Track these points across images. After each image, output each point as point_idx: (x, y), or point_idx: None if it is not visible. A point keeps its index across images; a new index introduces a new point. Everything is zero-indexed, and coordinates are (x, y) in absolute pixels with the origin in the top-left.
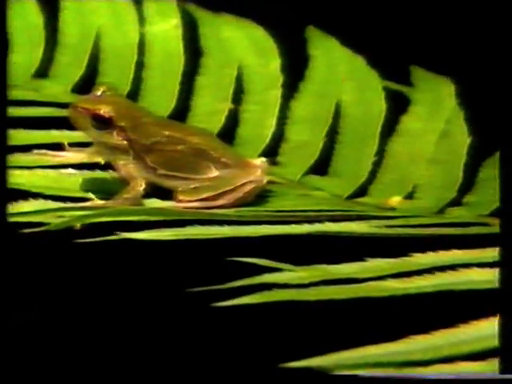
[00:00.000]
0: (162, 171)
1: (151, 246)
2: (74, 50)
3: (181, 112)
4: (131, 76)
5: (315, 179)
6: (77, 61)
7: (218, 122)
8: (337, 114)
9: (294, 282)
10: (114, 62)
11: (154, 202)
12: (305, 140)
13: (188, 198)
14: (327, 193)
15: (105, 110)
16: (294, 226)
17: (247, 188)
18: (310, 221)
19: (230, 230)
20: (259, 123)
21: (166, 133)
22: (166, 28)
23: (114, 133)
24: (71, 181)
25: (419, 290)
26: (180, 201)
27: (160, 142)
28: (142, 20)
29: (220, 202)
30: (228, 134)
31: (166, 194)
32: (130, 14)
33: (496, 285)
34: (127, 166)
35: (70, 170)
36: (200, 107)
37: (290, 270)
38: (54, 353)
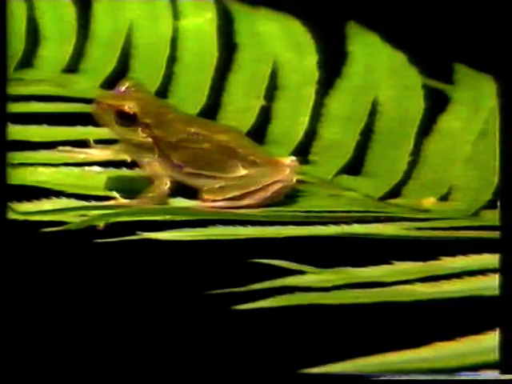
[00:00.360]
0: (187, 169)
1: (172, 247)
2: (105, 45)
3: (211, 108)
4: (162, 71)
5: (347, 179)
6: (107, 56)
7: (249, 119)
8: (373, 112)
9: (316, 285)
10: (145, 57)
11: (180, 202)
12: (338, 138)
13: (213, 198)
14: (359, 193)
15: (129, 106)
16: (319, 227)
17: (275, 187)
18: (336, 222)
19: (252, 231)
20: (292, 121)
21: (192, 130)
22: (201, 22)
23: (139, 130)
24: (95, 179)
25: (447, 295)
26: (205, 200)
27: (186, 140)
28: (176, 14)
29: (246, 201)
30: (259, 131)
31: (191, 192)
32: (163, 7)
33: None
34: (152, 164)
35: (95, 168)
36: (231, 104)
37: (313, 273)
38: (72, 353)
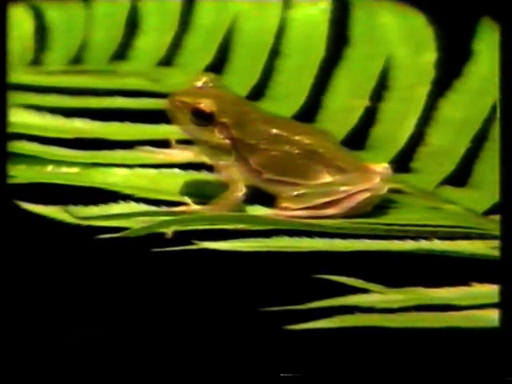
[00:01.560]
0: (267, 175)
1: (230, 257)
2: (205, 36)
3: (310, 108)
4: (261, 66)
5: (450, 190)
6: (206, 48)
7: (350, 121)
8: (489, 118)
9: (380, 305)
10: (245, 49)
11: (257, 209)
12: (446, 145)
13: (293, 206)
14: (460, 207)
15: (206, 105)
16: (395, 242)
17: (362, 197)
18: (415, 237)
19: (319, 244)
20: (397, 124)
21: (274, 131)
22: (312, 12)
23: (216, 130)
24: (170, 182)
25: None
26: (284, 208)
27: (266, 142)
28: (287, 3)
29: (330, 211)
30: (360, 134)
31: (271, 199)
32: None
33: None
34: (228, 168)
35: (175, 170)
36: (333, 103)
37: (379, 292)
38: (124, 361)
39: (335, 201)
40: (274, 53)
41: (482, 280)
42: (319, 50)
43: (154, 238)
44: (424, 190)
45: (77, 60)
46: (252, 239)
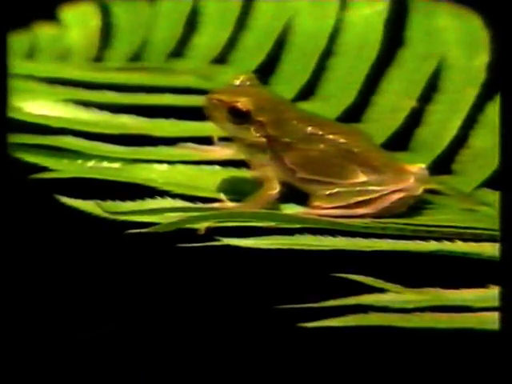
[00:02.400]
0: (301, 174)
1: (253, 254)
2: (261, 34)
3: (358, 108)
4: (313, 65)
5: (487, 193)
6: (260, 46)
7: (396, 121)
8: None
9: (395, 305)
10: (299, 48)
11: (291, 207)
12: (489, 147)
13: (325, 205)
14: (495, 209)
15: (242, 103)
16: (417, 242)
17: (395, 197)
18: (439, 238)
19: (340, 242)
20: (442, 125)
21: (309, 130)
22: (369, 13)
23: (252, 128)
24: (210, 179)
25: None
26: (315, 207)
27: (302, 141)
28: (344, 3)
29: (361, 210)
30: (404, 135)
31: (306, 198)
32: None
33: None
34: (263, 166)
35: (215, 167)
36: (381, 103)
37: (396, 292)
38: (144, 353)
39: (368, 201)
40: (327, 53)
41: (501, 282)
42: (372, 51)
43: (183, 234)
44: (462, 192)
45: (136, 57)
46: (275, 236)
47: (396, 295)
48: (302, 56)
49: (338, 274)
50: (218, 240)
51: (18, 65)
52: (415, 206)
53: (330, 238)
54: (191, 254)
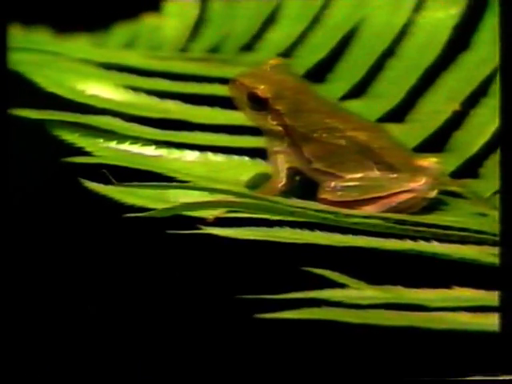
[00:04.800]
0: (316, 165)
1: (230, 243)
2: (330, 31)
3: (405, 107)
4: (369, 64)
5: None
6: (326, 42)
7: (435, 123)
8: None
9: (350, 301)
10: (363, 46)
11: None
12: None
13: (332, 199)
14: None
15: (261, 90)
16: (393, 240)
17: (403, 197)
18: (414, 237)
19: (318, 237)
20: (480, 129)
21: (330, 123)
22: (440, 17)
23: (269, 116)
24: (233, 171)
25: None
26: (322, 200)
27: (320, 132)
28: (419, 5)
29: (367, 208)
30: (442, 137)
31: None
32: None
33: None
34: (276, 156)
35: (244, 159)
36: (426, 105)
37: (356, 288)
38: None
39: (375, 198)
40: (389, 53)
41: (469, 285)
42: (433, 54)
43: (172, 220)
44: (480, 196)
45: (215, 49)
46: (254, 228)
47: (355, 291)
48: (364, 55)
49: (305, 268)
50: (200, 228)
51: (81, 50)
52: (427, 206)
53: (308, 232)
54: (173, 241)
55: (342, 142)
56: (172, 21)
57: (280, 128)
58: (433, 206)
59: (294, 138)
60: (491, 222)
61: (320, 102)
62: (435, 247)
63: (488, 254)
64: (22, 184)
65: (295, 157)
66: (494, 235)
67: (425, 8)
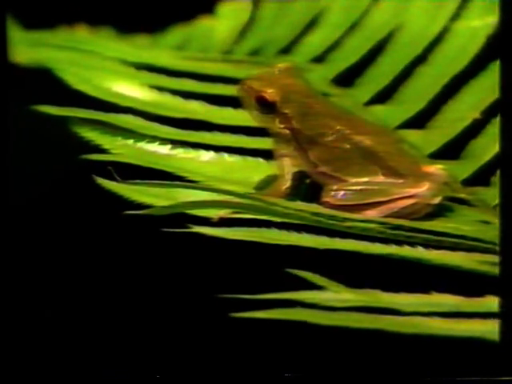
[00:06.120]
0: (322, 169)
1: (217, 243)
2: (366, 35)
3: (426, 114)
4: (398, 70)
5: None
6: (361, 47)
7: (454, 130)
8: None
9: (323, 303)
10: (395, 52)
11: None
12: None
13: (334, 202)
14: None
15: (269, 94)
16: (377, 244)
17: (405, 202)
18: (402, 242)
19: (303, 239)
20: (493, 139)
21: (337, 127)
22: (476, 25)
23: (277, 120)
24: (245, 173)
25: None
26: (325, 203)
27: (327, 136)
28: (456, 14)
29: (368, 213)
30: (459, 144)
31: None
32: (448, 6)
33: None
34: (282, 159)
35: (259, 160)
36: (448, 112)
37: (334, 291)
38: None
39: (377, 203)
40: (420, 60)
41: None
42: (463, 62)
43: (166, 218)
44: (487, 204)
45: (255, 52)
46: (242, 228)
47: (333, 294)
48: (395, 61)
49: (287, 270)
50: (190, 227)
51: (114, 48)
52: (433, 212)
53: (295, 234)
54: (165, 238)
55: (348, 146)
56: (223, 23)
57: (287, 131)
58: (437, 212)
59: (300, 141)
60: (492, 231)
61: (327, 106)
62: (419, 253)
63: (476, 262)
64: (40, 179)
65: (301, 160)
66: (494, 244)
67: (462, 16)
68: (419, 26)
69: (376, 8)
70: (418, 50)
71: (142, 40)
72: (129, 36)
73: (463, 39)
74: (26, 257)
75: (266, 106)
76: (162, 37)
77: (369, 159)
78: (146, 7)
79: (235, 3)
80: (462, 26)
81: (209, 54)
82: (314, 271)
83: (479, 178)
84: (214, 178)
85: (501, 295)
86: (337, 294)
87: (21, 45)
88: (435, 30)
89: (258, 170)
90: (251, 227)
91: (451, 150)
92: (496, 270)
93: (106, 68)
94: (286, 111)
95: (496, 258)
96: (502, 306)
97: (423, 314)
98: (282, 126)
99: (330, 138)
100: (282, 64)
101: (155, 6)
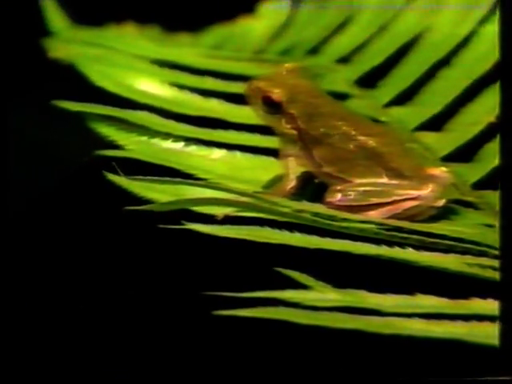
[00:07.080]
0: (327, 169)
1: (208, 240)
2: (392, 38)
3: (444, 116)
4: (423, 72)
5: None
6: (386, 49)
7: (469, 134)
8: None
9: (306, 303)
10: (420, 55)
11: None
12: None
13: (337, 202)
14: None
15: (276, 94)
16: (368, 245)
17: (408, 204)
18: (392, 243)
19: (294, 238)
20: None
21: (343, 128)
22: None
23: (283, 120)
24: (254, 172)
25: (435, 334)
26: (327, 203)
27: (332, 137)
28: (487, 16)
29: (370, 214)
30: (472, 148)
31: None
32: (480, 9)
33: None
34: (288, 159)
35: (270, 159)
36: (465, 115)
37: (319, 291)
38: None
39: (380, 204)
40: (444, 63)
41: (440, 293)
42: (486, 66)
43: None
44: (493, 208)
45: (285, 52)
46: (235, 226)
47: (317, 293)
48: (418, 63)
49: (275, 268)
50: (183, 224)
51: (139, 46)
52: (436, 215)
53: (287, 233)
54: (158, 234)
55: (353, 146)
56: (262, 23)
57: (293, 131)
58: (442, 214)
59: (306, 141)
60: (492, 234)
61: (334, 107)
62: (408, 254)
63: (465, 264)
64: (52, 174)
65: (306, 160)
66: (492, 247)
67: (491, 20)
68: (447, 28)
69: (406, 10)
70: (442, 52)
71: (184, 39)
72: (173, 35)
73: (489, 43)
74: (35, 250)
75: (273, 106)
76: (202, 36)
77: (373, 160)
78: (191, 6)
79: (275, 3)
80: (490, 29)
81: (243, 53)
82: (304, 270)
83: (489, 182)
84: (224, 176)
85: (501, 298)
86: (322, 294)
87: (63, 42)
88: (462, 33)
89: (269, 169)
90: (246, 225)
91: (465, 153)
92: (486, 273)
93: (130, 65)
94: (292, 111)
95: (489, 261)
96: (501, 309)
97: (404, 315)
98: (288, 126)
99: (335, 139)
100: (289, 64)
101: (200, 5)
